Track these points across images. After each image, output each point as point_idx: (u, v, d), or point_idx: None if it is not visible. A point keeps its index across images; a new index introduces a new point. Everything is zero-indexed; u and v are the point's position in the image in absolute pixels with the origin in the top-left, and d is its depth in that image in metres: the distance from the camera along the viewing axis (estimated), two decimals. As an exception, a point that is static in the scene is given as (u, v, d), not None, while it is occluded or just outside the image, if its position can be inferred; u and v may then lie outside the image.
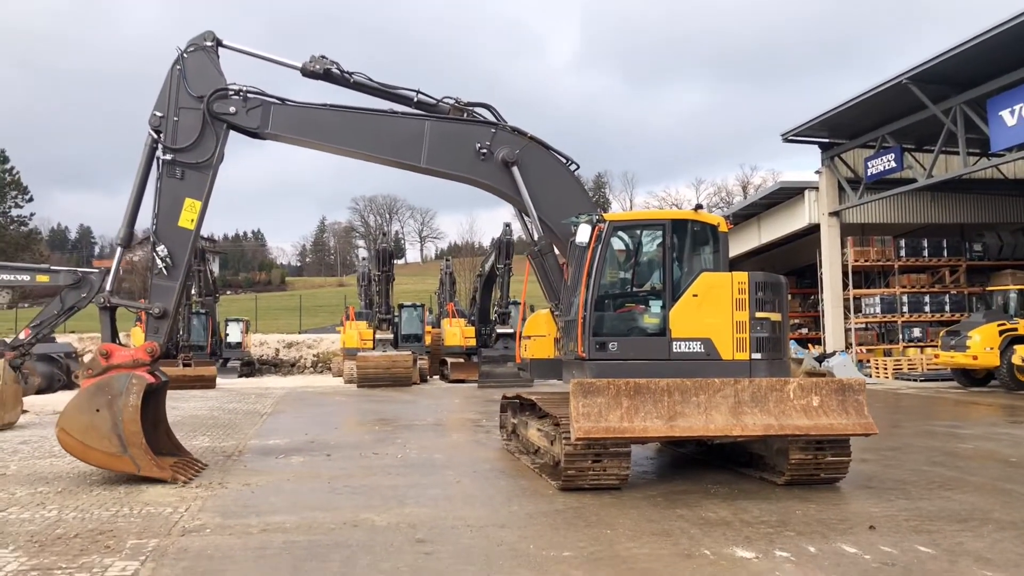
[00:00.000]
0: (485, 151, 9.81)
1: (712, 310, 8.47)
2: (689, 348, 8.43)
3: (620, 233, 9.21)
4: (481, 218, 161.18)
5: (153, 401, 9.46)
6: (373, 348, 27.74)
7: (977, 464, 9.99)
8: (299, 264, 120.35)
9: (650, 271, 9.25)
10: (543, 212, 9.84)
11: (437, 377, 31.00)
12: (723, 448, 9.86)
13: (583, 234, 8.67)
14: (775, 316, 8.66)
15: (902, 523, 6.75)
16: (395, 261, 31.01)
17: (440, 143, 9.88)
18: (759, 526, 6.63)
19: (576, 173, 10.18)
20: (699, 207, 9.45)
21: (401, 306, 32.97)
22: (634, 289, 9.27)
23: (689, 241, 9.09)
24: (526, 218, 10.13)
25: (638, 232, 9.38)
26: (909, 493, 8.02)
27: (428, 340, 32.47)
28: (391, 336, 28.36)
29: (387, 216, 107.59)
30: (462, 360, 29.58)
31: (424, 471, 9.51)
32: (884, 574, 5.31)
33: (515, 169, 9.76)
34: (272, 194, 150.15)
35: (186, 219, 9.53)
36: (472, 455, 10.84)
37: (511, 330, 27.57)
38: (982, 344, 21.61)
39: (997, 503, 7.56)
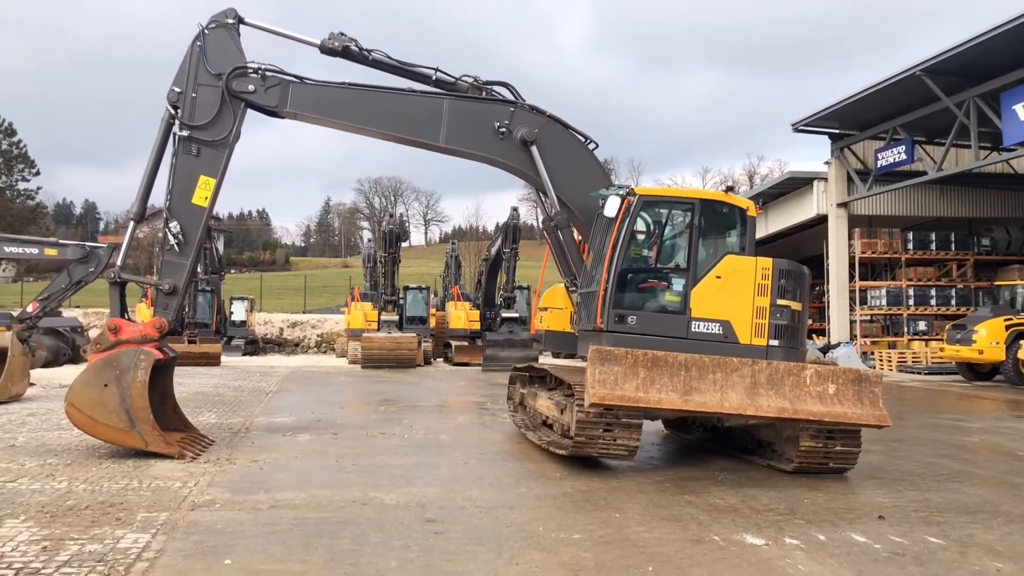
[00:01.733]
0: (504, 130, 9.77)
1: (734, 293, 8.45)
2: (707, 329, 8.41)
3: (649, 208, 9.14)
4: (487, 202, 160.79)
5: (161, 377, 9.46)
6: (378, 329, 27.73)
7: (984, 457, 9.99)
8: (303, 244, 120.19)
9: (675, 249, 9.20)
10: (561, 191, 9.81)
11: (441, 360, 31.02)
12: (730, 434, 9.87)
13: (612, 207, 8.61)
14: (795, 305, 8.63)
15: (911, 514, 6.75)
16: (400, 243, 30.89)
17: (459, 122, 9.84)
18: (768, 513, 6.63)
19: (595, 152, 10.12)
20: (730, 188, 9.48)
21: (406, 288, 32.94)
22: (658, 265, 9.22)
23: (717, 222, 9.03)
24: (543, 197, 10.09)
25: (666, 209, 9.31)
26: (917, 484, 8.02)
27: (433, 323, 32.45)
28: (396, 318, 28.34)
29: (392, 198, 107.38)
30: (466, 343, 29.57)
31: (431, 452, 9.52)
32: (895, 564, 5.30)
33: (534, 148, 9.73)
34: (277, 174, 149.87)
35: (200, 196, 9.48)
36: (478, 437, 10.86)
37: (516, 314, 27.56)
38: (988, 338, 21.57)
39: (1005, 496, 7.56)
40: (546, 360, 14.17)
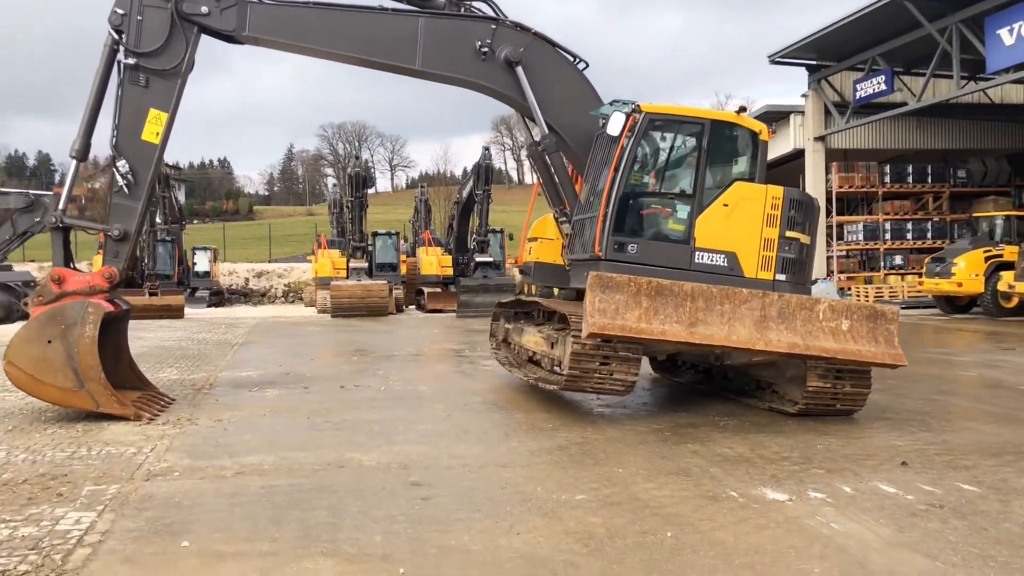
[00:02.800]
0: (486, 50, 8.90)
1: (741, 223, 7.82)
2: (711, 260, 7.79)
3: (654, 128, 8.37)
4: (455, 145, 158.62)
5: (113, 331, 8.66)
6: (347, 277, 26.86)
7: (989, 393, 9.61)
8: (267, 193, 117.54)
9: (681, 173, 8.50)
10: (550, 115, 8.99)
11: (413, 307, 30.30)
12: (725, 375, 9.35)
13: (615, 125, 7.87)
14: (804, 238, 8.03)
15: (934, 458, 6.26)
16: (367, 188, 29.78)
17: (436, 43, 8.94)
18: (782, 463, 6.10)
19: (584, 72, 9.31)
20: (742, 110, 8.69)
21: (375, 234, 31.98)
22: (662, 190, 8.54)
23: (727, 146, 8.34)
24: (530, 123, 9.30)
25: (674, 129, 8.56)
26: (930, 425, 7.56)
27: (404, 269, 31.62)
28: (365, 265, 27.41)
29: (356, 143, 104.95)
30: (439, 290, 28.87)
31: (410, 405, 8.88)
32: (935, 518, 4.78)
33: (519, 69, 8.87)
34: (238, 121, 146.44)
35: (150, 132, 8.52)
36: (459, 386, 10.23)
37: (490, 259, 26.85)
38: (967, 271, 21.40)
39: (1025, 435, 7.12)
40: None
